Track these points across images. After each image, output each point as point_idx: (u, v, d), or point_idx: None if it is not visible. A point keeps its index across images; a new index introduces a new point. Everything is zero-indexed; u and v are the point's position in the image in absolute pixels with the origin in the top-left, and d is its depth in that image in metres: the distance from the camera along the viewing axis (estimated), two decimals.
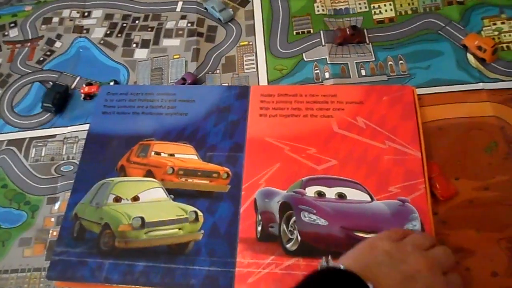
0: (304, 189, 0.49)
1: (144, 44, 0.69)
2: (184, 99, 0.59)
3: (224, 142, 0.55)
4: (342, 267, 0.37)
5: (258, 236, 0.49)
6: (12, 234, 0.55)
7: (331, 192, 0.49)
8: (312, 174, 0.51)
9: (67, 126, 0.62)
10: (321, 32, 0.65)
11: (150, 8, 0.73)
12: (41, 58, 0.70)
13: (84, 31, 0.72)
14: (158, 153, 0.56)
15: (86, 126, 0.60)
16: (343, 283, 0.36)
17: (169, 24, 0.70)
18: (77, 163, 0.57)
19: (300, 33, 0.66)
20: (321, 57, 0.62)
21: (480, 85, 0.57)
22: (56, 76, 0.67)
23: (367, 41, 0.63)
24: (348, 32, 0.63)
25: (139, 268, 0.48)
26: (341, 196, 0.49)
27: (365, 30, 0.64)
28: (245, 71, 0.64)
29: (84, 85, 0.64)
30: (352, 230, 0.46)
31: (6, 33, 0.74)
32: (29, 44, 0.72)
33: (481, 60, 0.58)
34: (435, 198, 0.49)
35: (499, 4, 0.63)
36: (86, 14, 0.74)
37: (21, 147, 0.61)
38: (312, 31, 0.66)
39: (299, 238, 0.47)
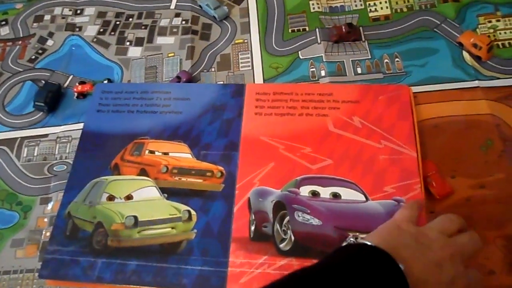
0: (299, 189, 0.49)
1: (138, 42, 0.68)
2: (179, 97, 0.59)
3: (218, 140, 0.54)
4: (372, 244, 0.36)
5: (251, 236, 0.48)
6: (4, 235, 0.54)
7: (325, 192, 0.49)
8: (306, 174, 0.50)
9: (59, 126, 0.61)
10: (317, 29, 0.64)
11: (144, 5, 0.72)
12: (33, 57, 0.69)
13: (77, 29, 0.71)
14: (152, 152, 0.55)
15: (79, 126, 0.59)
16: (373, 261, 0.35)
17: (163, 22, 0.70)
18: (70, 162, 0.56)
19: (296, 30, 0.65)
20: (317, 55, 0.62)
21: (475, 83, 0.56)
22: (48, 74, 0.67)
23: (363, 39, 0.63)
24: (344, 30, 0.62)
25: (131, 267, 0.47)
26: (335, 196, 0.49)
27: (360, 28, 0.64)
28: (241, 69, 0.63)
29: (77, 84, 0.64)
30: (345, 230, 0.46)
31: None
32: (20, 42, 0.71)
33: (477, 58, 0.58)
34: (431, 196, 0.49)
35: (494, 1, 0.63)
36: (78, 11, 0.73)
37: (13, 147, 0.60)
38: (307, 29, 0.65)
39: (292, 238, 0.46)
